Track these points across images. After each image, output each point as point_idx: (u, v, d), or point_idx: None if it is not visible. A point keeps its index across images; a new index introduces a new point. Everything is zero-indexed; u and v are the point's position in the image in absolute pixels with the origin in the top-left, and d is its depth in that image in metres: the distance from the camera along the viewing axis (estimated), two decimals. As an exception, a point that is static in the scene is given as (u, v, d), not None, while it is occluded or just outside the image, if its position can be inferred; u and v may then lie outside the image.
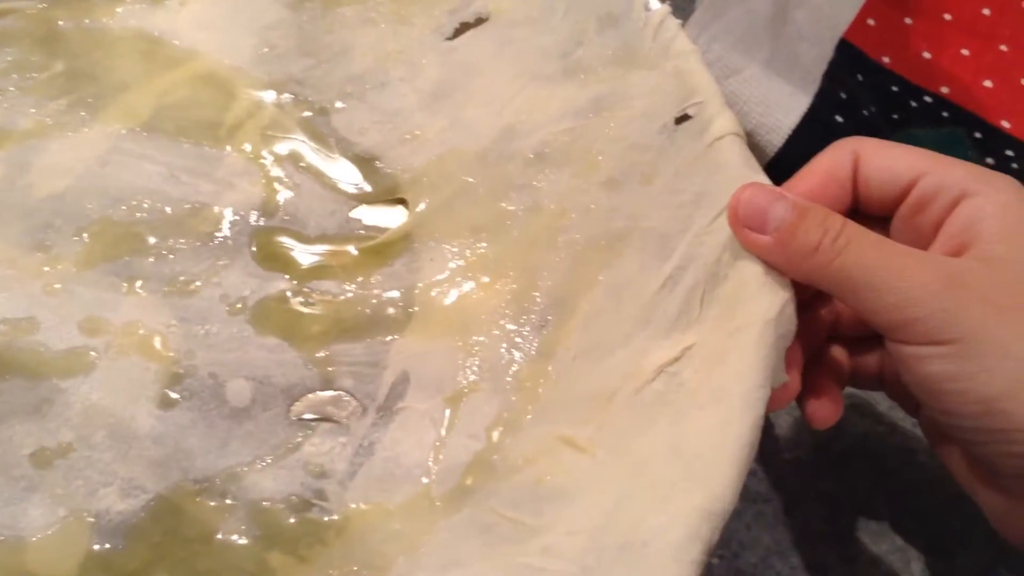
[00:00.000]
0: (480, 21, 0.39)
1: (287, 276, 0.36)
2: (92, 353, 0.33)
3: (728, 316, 0.28)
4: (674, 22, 0.35)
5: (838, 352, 0.33)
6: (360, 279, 0.35)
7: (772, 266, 0.28)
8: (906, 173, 0.29)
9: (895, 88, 0.48)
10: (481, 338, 0.34)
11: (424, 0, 0.40)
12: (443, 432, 0.32)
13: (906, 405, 0.32)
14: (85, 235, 0.35)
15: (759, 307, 0.28)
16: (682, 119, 0.34)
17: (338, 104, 0.40)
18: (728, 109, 0.33)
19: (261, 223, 0.37)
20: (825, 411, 0.31)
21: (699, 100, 0.33)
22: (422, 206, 0.37)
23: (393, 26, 0.41)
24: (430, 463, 0.31)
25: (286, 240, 0.37)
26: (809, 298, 0.31)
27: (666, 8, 0.35)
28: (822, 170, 0.30)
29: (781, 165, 0.42)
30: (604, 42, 0.37)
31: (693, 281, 0.30)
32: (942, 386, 0.25)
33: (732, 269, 0.29)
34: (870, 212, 0.30)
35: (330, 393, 0.33)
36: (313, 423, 0.32)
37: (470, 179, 0.37)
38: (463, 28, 0.40)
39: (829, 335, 0.33)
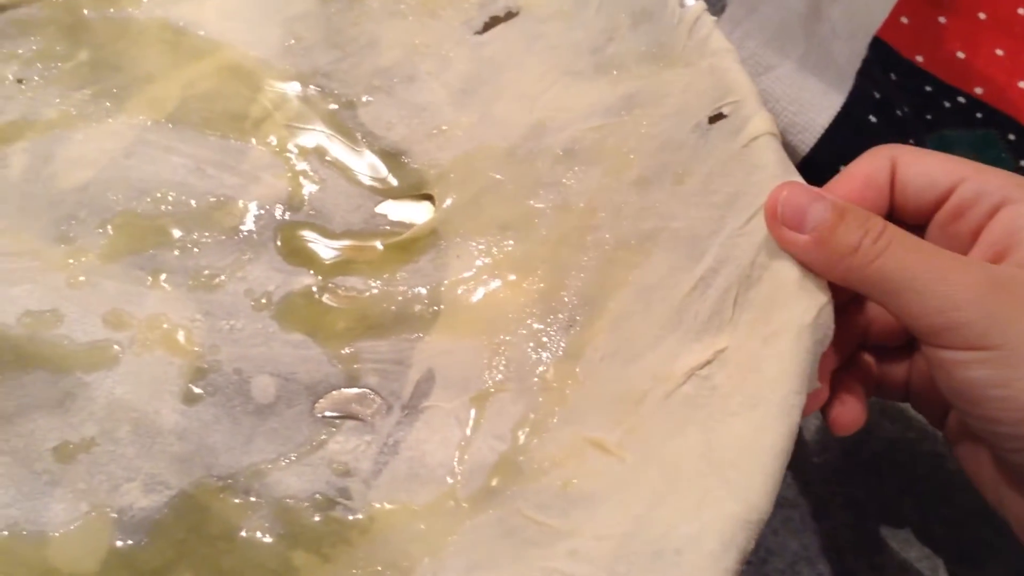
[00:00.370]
0: (510, 15, 0.39)
1: (312, 271, 0.35)
2: (116, 347, 0.32)
3: (763, 320, 0.28)
4: (709, 19, 0.34)
5: (866, 359, 0.32)
6: (386, 275, 0.35)
7: (809, 267, 0.27)
8: (944, 179, 0.28)
9: (928, 88, 0.47)
10: (508, 337, 0.33)
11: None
12: (468, 432, 0.32)
13: (932, 417, 0.32)
14: (109, 227, 0.35)
15: (795, 311, 0.27)
16: (716, 118, 0.33)
17: (365, 98, 0.39)
18: (764, 109, 0.32)
19: (286, 217, 0.36)
20: (849, 417, 0.30)
21: (735, 99, 0.33)
22: (449, 202, 0.37)
23: (421, 19, 0.40)
24: (455, 463, 0.31)
25: (311, 235, 0.36)
26: (844, 303, 0.31)
27: (701, 5, 0.35)
28: (860, 175, 0.29)
29: (813, 165, 0.41)
30: (637, 38, 0.36)
31: (726, 283, 0.30)
32: (983, 392, 0.25)
33: (767, 272, 0.29)
34: (905, 219, 0.29)
35: (355, 390, 0.33)
36: (338, 421, 0.32)
37: (498, 176, 0.37)
38: (493, 22, 0.39)
39: (859, 343, 0.32)
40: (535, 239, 0.35)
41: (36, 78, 0.39)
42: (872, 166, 0.29)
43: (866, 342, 0.32)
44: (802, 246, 0.27)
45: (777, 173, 0.30)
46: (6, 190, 0.35)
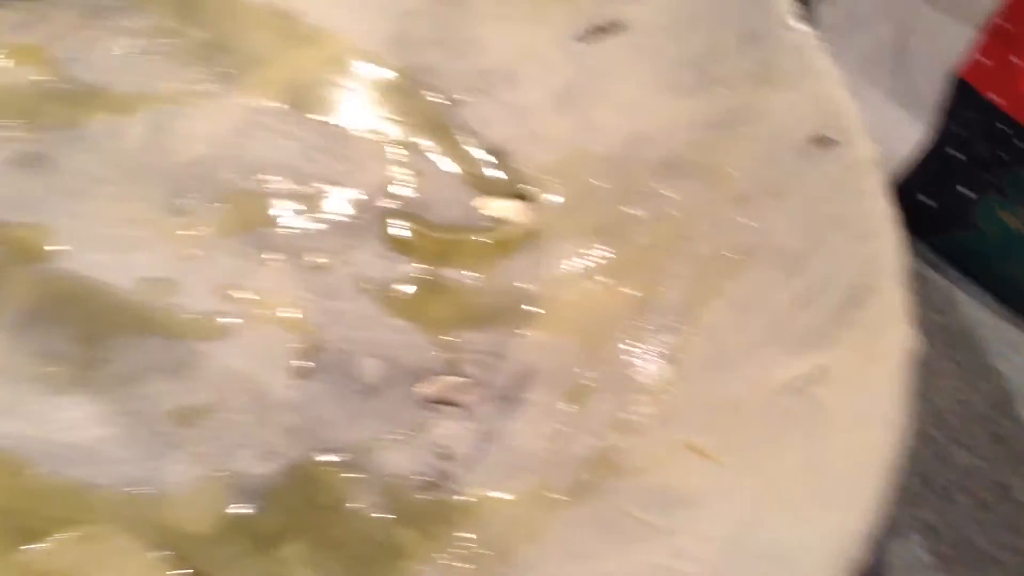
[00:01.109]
0: (616, 27, 0.40)
1: (413, 260, 0.36)
2: (228, 319, 0.33)
3: (869, 340, 0.29)
4: (817, 43, 0.35)
5: None
6: (484, 270, 0.36)
7: None
8: None
9: (1003, 127, 0.48)
10: (603, 338, 0.34)
11: (561, 1, 0.41)
12: (564, 427, 0.33)
13: None
14: (221, 203, 0.36)
15: (901, 335, 0.28)
16: (820, 141, 0.34)
17: (467, 96, 0.40)
18: (868, 136, 0.33)
19: (388, 206, 0.38)
20: None
21: (839, 124, 0.34)
22: (547, 204, 0.38)
23: (527, 24, 0.41)
24: (551, 456, 0.32)
25: (412, 225, 0.37)
26: None
27: (809, 29, 0.36)
28: None
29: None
30: (743, 57, 0.37)
31: (828, 301, 0.31)
32: None
33: (872, 294, 0.30)
34: None
35: (455, 378, 0.34)
36: (439, 406, 0.33)
37: (596, 181, 0.38)
38: (598, 32, 0.40)
39: None
40: (631, 245, 0.36)
41: (150, 53, 0.40)
42: None
43: None
44: None
45: (879, 202, 0.31)
46: (124, 159, 0.37)
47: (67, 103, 0.38)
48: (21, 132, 0.36)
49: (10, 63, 0.38)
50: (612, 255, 0.36)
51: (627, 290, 0.35)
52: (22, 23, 0.40)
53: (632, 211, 0.37)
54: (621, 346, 0.34)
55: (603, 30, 0.40)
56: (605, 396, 0.33)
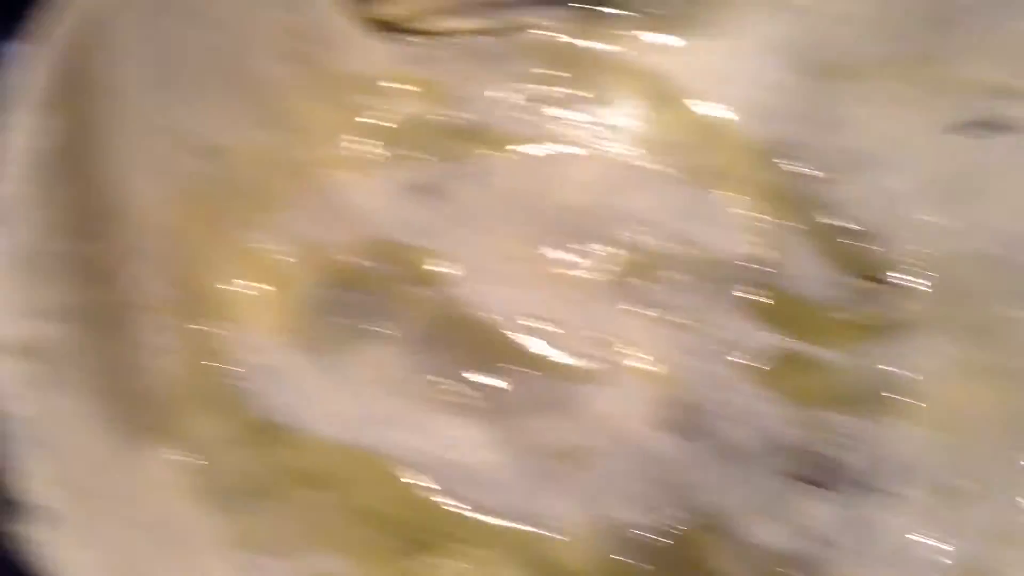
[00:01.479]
0: (1003, 126, 0.39)
1: (774, 330, 0.36)
2: (600, 365, 0.34)
3: None
4: None
5: None
6: (849, 350, 0.36)
7: None
8: None
9: None
10: (982, 443, 0.33)
11: (943, 91, 0.40)
12: (931, 530, 0.32)
13: None
14: (593, 248, 0.37)
15: None
16: None
17: (831, 174, 0.40)
18: None
19: (749, 273, 0.38)
20: None
21: None
22: (914, 293, 0.37)
23: (900, 109, 0.41)
24: (924, 558, 0.31)
25: (772, 295, 0.37)
26: None
27: None
28: None
29: None
30: None
31: None
32: None
33: None
34: None
35: (823, 458, 0.33)
36: (807, 486, 0.33)
37: (971, 277, 0.37)
38: (981, 128, 0.39)
39: None
40: (1011, 350, 0.35)
41: (530, 99, 0.42)
42: None
43: None
44: None
45: None
46: (505, 197, 0.39)
47: (456, 138, 0.40)
48: (419, 162, 0.39)
49: (411, 95, 0.41)
50: (989, 356, 0.35)
51: (1003, 396, 0.34)
52: (415, 58, 0.43)
53: (1012, 313, 0.35)
54: (1003, 454, 0.33)
55: (988, 127, 0.39)
56: (984, 504, 0.32)
